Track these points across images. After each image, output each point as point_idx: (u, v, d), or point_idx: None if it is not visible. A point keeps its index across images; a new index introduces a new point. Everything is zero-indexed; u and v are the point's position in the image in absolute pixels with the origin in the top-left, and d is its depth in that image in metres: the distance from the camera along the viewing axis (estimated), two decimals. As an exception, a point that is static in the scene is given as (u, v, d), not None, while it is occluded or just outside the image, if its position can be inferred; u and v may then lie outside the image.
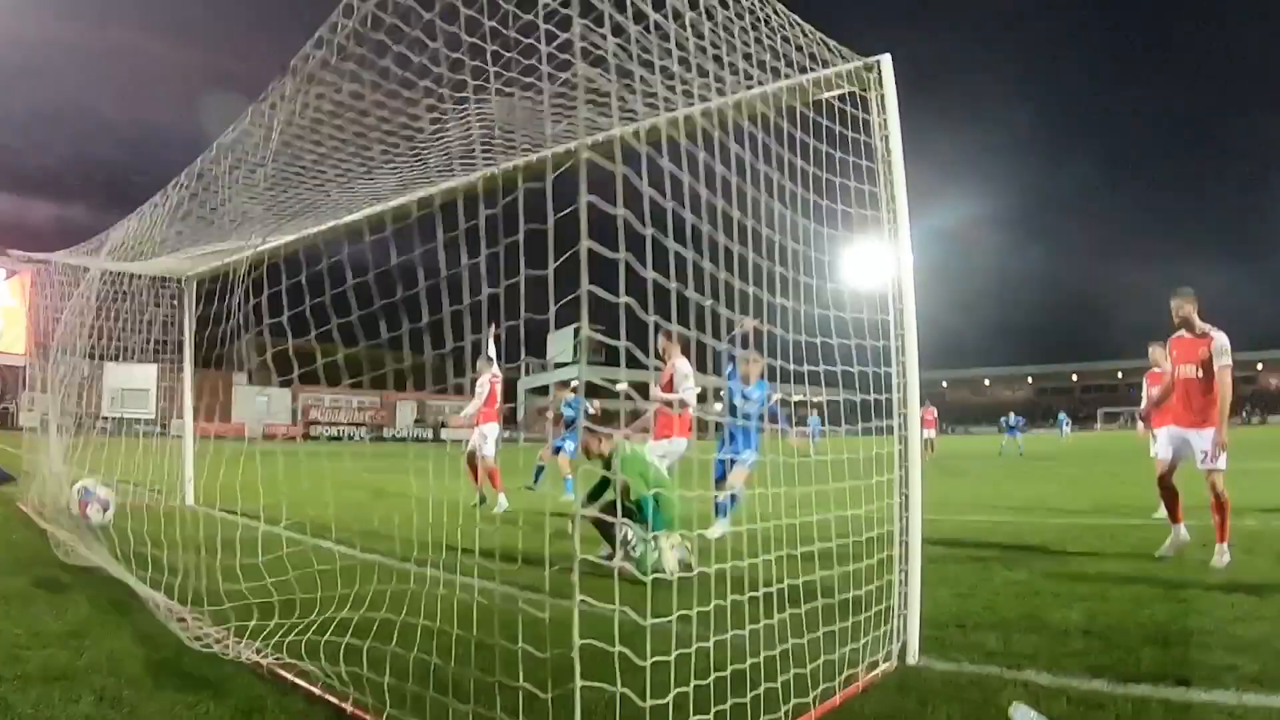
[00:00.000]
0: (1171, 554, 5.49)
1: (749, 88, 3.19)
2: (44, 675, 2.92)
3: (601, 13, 2.23)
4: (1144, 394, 8.51)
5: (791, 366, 3.07)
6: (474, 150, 3.93)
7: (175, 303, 8.40)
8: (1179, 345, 5.65)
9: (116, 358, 8.38)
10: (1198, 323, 5.52)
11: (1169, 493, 5.66)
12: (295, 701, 2.75)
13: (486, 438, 9.34)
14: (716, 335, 2.57)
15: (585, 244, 1.96)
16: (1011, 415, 28.13)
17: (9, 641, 3.34)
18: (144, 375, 8.84)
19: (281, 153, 4.11)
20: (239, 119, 4.02)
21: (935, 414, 22.76)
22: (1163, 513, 6.92)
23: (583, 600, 2.04)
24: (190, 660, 3.17)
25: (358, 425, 55.24)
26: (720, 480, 6.01)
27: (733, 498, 5.79)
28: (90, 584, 4.58)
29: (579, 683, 1.98)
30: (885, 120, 3.43)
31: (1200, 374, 5.47)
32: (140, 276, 8.27)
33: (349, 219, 5.19)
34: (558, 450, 10.59)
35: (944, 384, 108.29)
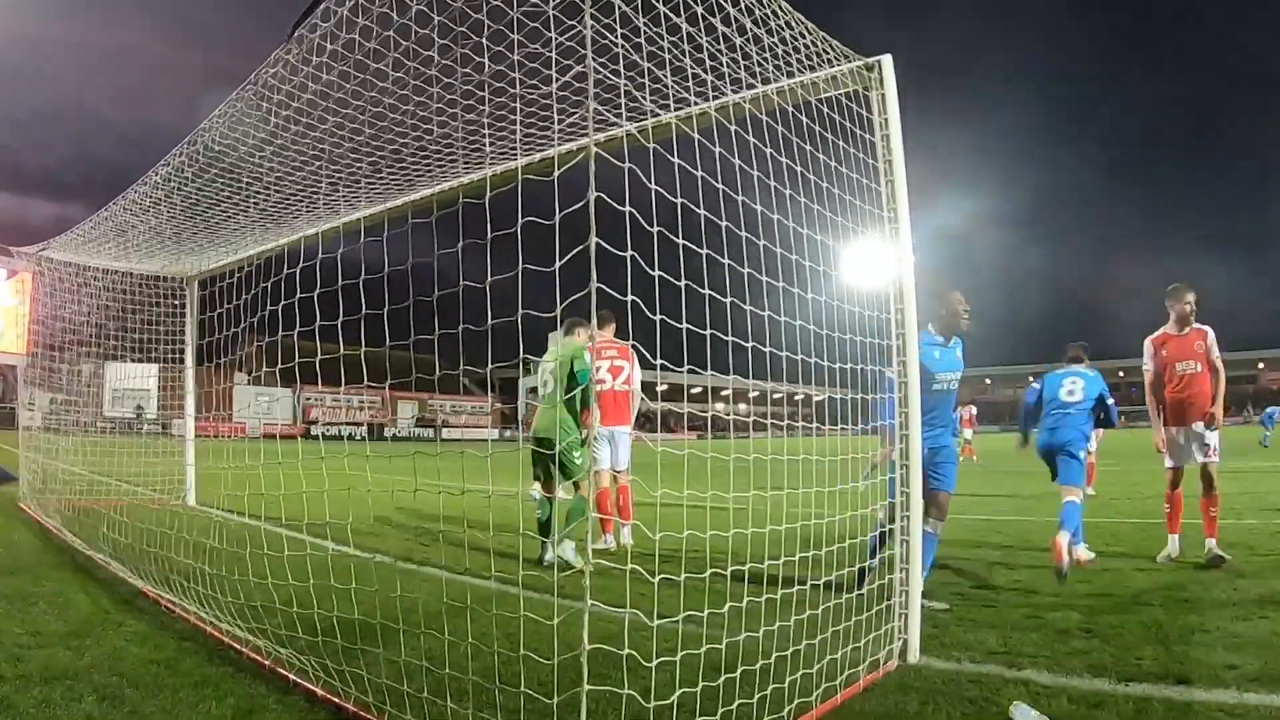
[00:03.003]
0: (1169, 563, 5.35)
1: (751, 86, 3.20)
2: (45, 675, 2.92)
3: (611, 6, 2.23)
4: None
5: (796, 360, 3.07)
6: (481, 146, 3.93)
7: (177, 301, 8.40)
8: (1174, 342, 5.59)
9: (117, 357, 8.38)
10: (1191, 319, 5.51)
11: (1178, 500, 5.52)
12: (295, 701, 2.75)
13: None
14: (724, 331, 2.57)
15: (594, 240, 1.96)
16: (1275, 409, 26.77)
17: (10, 641, 3.34)
18: (145, 375, 8.83)
19: (280, 144, 4.11)
20: (229, 104, 4.00)
21: (974, 413, 22.42)
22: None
23: (592, 604, 2.03)
24: (191, 659, 3.18)
25: (358, 425, 55.24)
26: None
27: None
28: (90, 584, 4.59)
29: (586, 686, 1.98)
30: (886, 120, 3.43)
31: (1200, 368, 5.45)
32: (142, 275, 8.28)
33: (352, 217, 5.19)
34: None
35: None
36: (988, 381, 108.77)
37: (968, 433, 21.63)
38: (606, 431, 6.17)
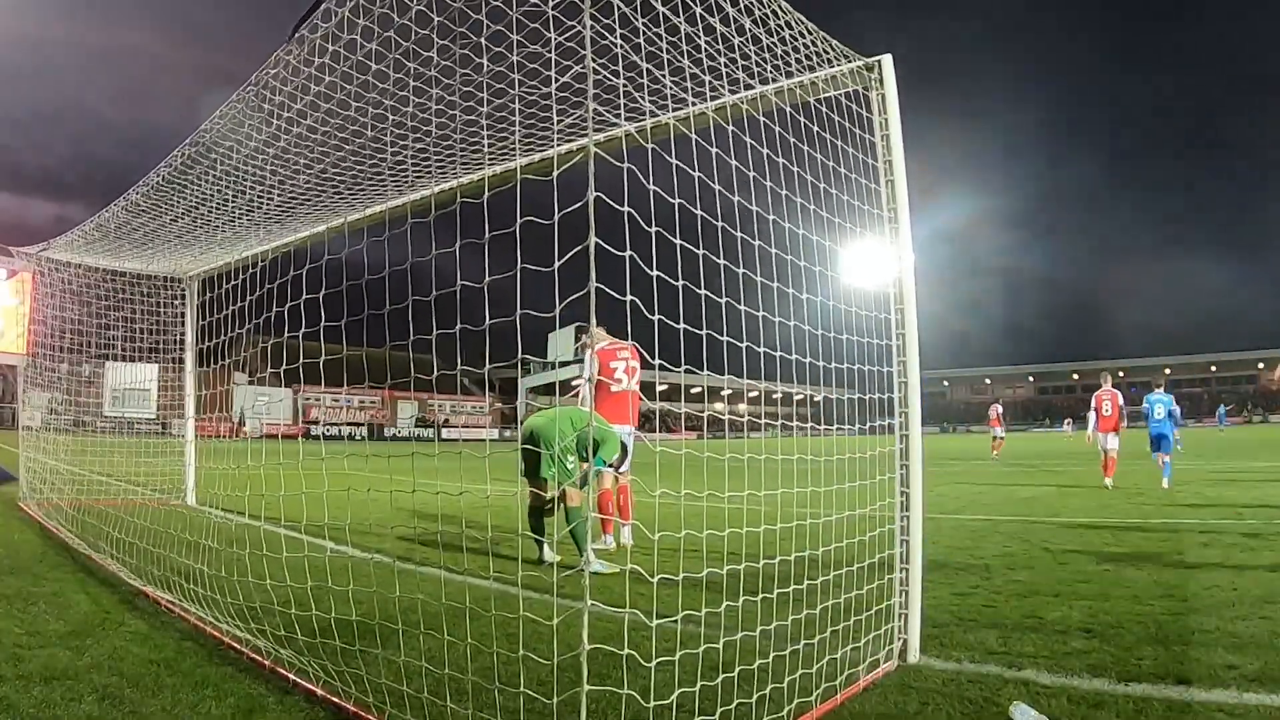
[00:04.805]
0: None
1: (751, 86, 3.20)
2: (45, 675, 2.92)
3: (611, 6, 2.24)
4: (1095, 414, 12.03)
5: (797, 361, 3.07)
6: (480, 147, 3.93)
7: (178, 302, 8.40)
8: None
9: (117, 357, 8.39)
10: None
11: None
12: (295, 701, 2.76)
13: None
14: (725, 331, 2.58)
15: (593, 240, 1.96)
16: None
17: (10, 641, 3.34)
18: (145, 374, 8.83)
19: (281, 145, 4.11)
20: (230, 105, 4.01)
21: (1000, 412, 22.90)
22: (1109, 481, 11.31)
23: (591, 603, 2.04)
24: (191, 660, 3.18)
25: (358, 425, 55.24)
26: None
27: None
28: (90, 584, 4.59)
29: (585, 686, 1.98)
30: (886, 120, 3.43)
31: None
32: (142, 275, 8.28)
33: (352, 217, 5.19)
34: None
35: (945, 383, 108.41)
36: (987, 382, 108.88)
37: (997, 430, 22.21)
38: (621, 430, 6.19)
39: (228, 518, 6.14)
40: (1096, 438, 11.97)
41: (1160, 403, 11.68)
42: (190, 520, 4.99)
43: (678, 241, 2.44)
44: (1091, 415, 12.17)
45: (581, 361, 6.67)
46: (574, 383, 6.52)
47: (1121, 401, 11.94)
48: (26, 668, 3.00)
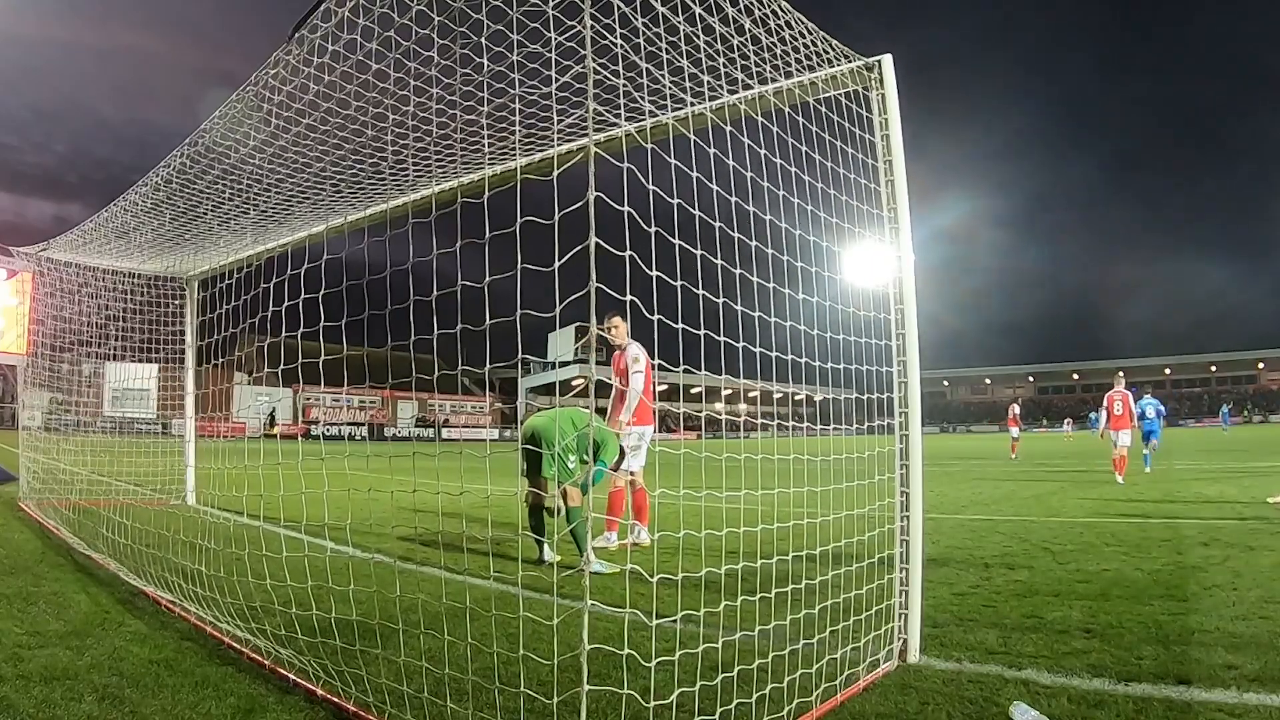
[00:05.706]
0: None
1: (751, 86, 3.20)
2: (46, 675, 2.92)
3: (611, 6, 2.24)
4: (1107, 413, 13.16)
5: (796, 361, 3.07)
6: (480, 146, 3.93)
7: (178, 302, 8.40)
8: None
9: (117, 357, 8.39)
10: None
11: None
12: (295, 701, 2.76)
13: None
14: (726, 332, 2.58)
15: (593, 240, 1.96)
16: None
17: (10, 641, 3.34)
18: (144, 374, 8.83)
19: (281, 145, 4.11)
20: (230, 105, 4.01)
21: (1016, 412, 23.57)
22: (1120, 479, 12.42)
23: (591, 603, 2.04)
24: (191, 659, 3.18)
25: (358, 425, 55.21)
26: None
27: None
28: (90, 584, 4.59)
29: (585, 686, 1.98)
30: (886, 120, 3.44)
31: None
32: (142, 275, 8.29)
33: (353, 217, 5.19)
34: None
35: (945, 383, 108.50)
36: (988, 381, 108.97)
37: (1014, 431, 22.83)
38: (641, 430, 6.20)
39: (228, 517, 6.14)
40: (1109, 435, 13.12)
41: (1150, 405, 14.64)
42: (190, 520, 4.99)
43: (676, 242, 2.44)
44: (1104, 414, 13.46)
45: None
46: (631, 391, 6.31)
47: (1133, 402, 13.16)
48: (26, 668, 3.00)
